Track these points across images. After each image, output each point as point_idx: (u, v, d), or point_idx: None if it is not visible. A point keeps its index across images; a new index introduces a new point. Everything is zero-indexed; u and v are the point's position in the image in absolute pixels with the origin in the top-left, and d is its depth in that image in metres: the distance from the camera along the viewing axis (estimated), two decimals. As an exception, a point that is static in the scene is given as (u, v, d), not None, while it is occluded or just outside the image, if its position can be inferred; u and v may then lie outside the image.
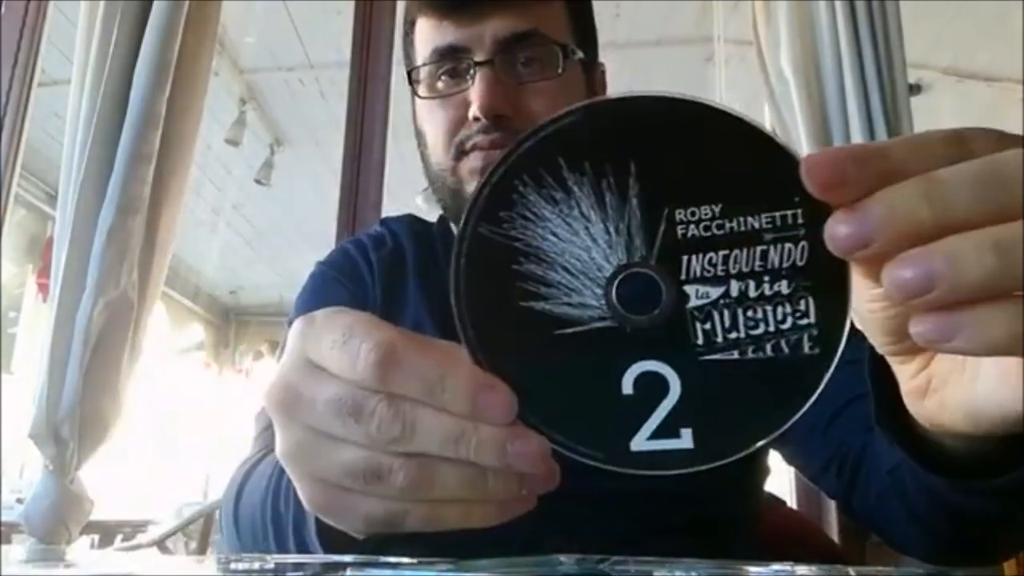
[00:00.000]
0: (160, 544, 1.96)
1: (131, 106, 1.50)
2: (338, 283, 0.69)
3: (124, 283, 1.47)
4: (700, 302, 0.27)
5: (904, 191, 0.23)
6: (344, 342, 0.28)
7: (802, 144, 1.64)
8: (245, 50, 3.01)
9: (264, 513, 0.45)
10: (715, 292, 0.27)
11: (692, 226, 0.27)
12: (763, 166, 0.26)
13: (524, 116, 0.62)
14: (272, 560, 0.34)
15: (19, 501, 1.83)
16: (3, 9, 1.74)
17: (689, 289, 0.27)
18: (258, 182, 3.79)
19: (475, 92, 0.62)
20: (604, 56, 0.73)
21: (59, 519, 1.44)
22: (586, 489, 0.43)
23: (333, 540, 0.37)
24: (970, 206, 0.23)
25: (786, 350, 0.27)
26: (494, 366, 0.28)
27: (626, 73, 2.97)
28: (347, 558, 0.35)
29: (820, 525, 1.40)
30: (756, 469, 0.67)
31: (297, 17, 2.77)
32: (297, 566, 0.34)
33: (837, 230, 0.24)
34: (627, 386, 0.27)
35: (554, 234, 0.28)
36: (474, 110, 0.61)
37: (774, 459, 0.68)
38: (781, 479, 1.55)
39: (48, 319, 1.47)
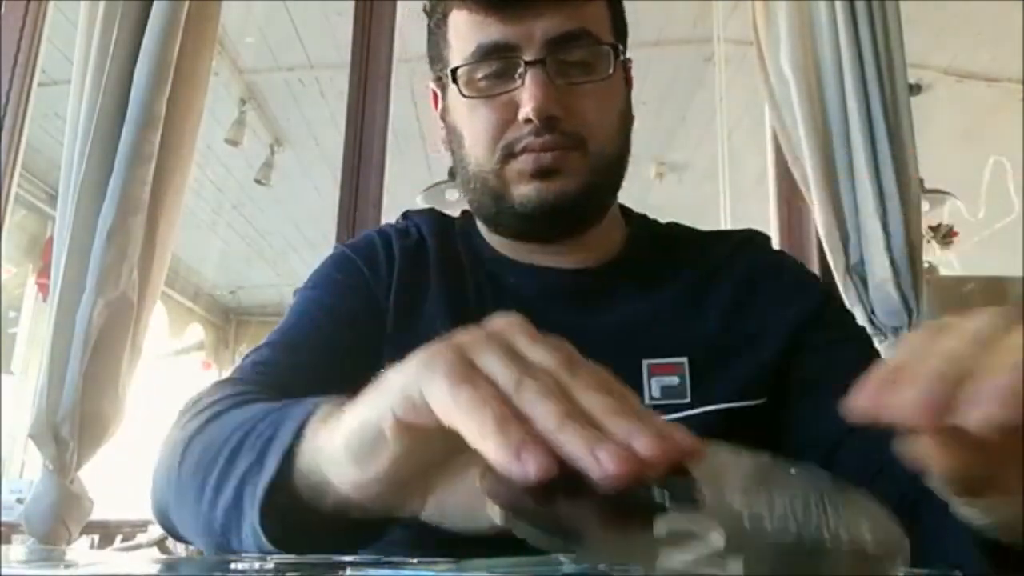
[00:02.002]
0: (160, 544, 1.96)
1: (131, 106, 1.50)
2: (354, 264, 0.69)
3: (124, 283, 1.47)
4: None
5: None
6: None
7: (802, 144, 1.64)
8: (245, 50, 3.01)
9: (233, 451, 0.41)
10: None
11: None
12: None
13: (574, 117, 0.61)
14: (272, 560, 0.34)
15: (19, 501, 1.82)
16: (3, 9, 1.74)
17: None
18: (258, 182, 3.78)
19: (527, 93, 0.60)
20: (602, 55, 0.73)
21: (59, 519, 1.44)
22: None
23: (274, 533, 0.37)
24: None
25: None
26: None
27: (626, 73, 2.96)
28: (347, 558, 0.35)
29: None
30: None
31: (297, 17, 2.76)
32: (297, 566, 0.34)
33: None
34: None
35: None
36: (527, 112, 0.60)
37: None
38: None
39: (48, 319, 1.47)
